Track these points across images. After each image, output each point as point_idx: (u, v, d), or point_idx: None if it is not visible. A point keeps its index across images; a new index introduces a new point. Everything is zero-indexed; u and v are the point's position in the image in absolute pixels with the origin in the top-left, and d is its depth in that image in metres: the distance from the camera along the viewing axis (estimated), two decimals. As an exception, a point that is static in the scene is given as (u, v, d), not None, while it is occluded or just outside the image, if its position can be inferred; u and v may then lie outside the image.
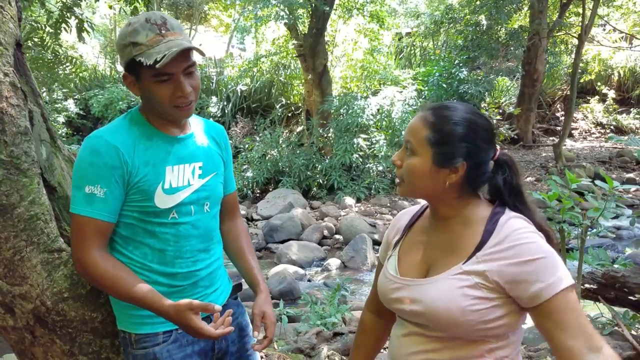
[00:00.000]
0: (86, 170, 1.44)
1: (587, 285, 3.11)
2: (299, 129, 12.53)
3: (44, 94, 11.58)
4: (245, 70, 13.68)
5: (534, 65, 12.59)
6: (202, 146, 1.63)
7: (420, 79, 12.34)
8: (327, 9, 10.31)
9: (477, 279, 1.21)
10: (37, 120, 1.69)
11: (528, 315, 1.26)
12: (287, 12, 10.78)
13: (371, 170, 10.54)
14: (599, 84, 15.67)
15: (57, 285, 1.58)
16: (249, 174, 10.76)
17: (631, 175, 10.96)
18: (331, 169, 10.43)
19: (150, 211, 1.50)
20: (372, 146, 10.58)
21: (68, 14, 5.35)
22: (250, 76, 13.71)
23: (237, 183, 1.90)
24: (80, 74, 8.08)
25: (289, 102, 13.42)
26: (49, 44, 6.20)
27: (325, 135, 11.04)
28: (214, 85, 13.80)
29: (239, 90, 13.36)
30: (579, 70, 11.75)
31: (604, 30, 16.11)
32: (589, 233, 3.06)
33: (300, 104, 13.10)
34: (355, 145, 10.38)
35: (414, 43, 16.82)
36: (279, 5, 10.46)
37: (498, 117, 12.35)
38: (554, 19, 12.44)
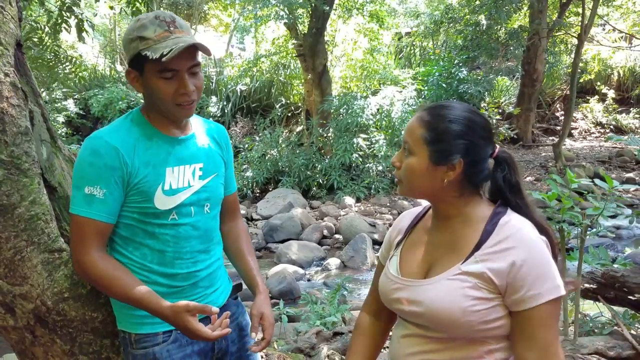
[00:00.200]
0: (86, 170, 1.44)
1: (586, 285, 3.11)
2: (299, 128, 12.53)
3: (44, 94, 11.58)
4: (245, 70, 13.67)
5: (534, 65, 12.58)
6: (202, 147, 1.63)
7: (419, 78, 12.35)
8: (327, 8, 10.31)
9: (475, 280, 1.22)
10: (37, 120, 1.69)
11: None
12: (287, 12, 10.77)
13: (371, 170, 10.54)
14: (598, 83, 15.67)
15: (57, 285, 1.58)
16: (249, 173, 10.76)
17: (631, 174, 10.96)
18: (331, 168, 10.43)
19: (150, 212, 1.50)
20: (372, 146, 10.58)
21: (67, 14, 5.35)
22: (250, 76, 13.70)
23: (237, 183, 1.89)
24: (80, 74, 8.07)
25: (288, 101, 13.41)
26: (48, 43, 6.19)
27: (325, 135, 11.04)
28: (213, 85, 13.80)
29: (238, 90, 13.35)
30: (579, 70, 11.75)
31: (604, 30, 16.10)
32: (588, 233, 3.06)
33: (300, 104, 13.10)
34: (355, 145, 10.38)
35: (414, 43, 16.82)
36: (278, 5, 10.45)
37: (498, 117, 12.34)
38: (554, 18, 12.44)
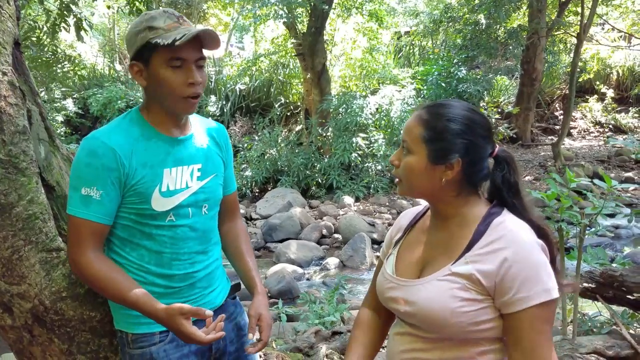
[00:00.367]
0: (83, 171, 1.44)
1: (585, 284, 3.11)
2: (298, 128, 12.53)
3: (43, 93, 11.56)
4: (244, 69, 13.66)
5: (533, 64, 12.58)
6: (201, 147, 1.62)
7: (419, 78, 12.35)
8: (326, 7, 10.30)
9: (464, 281, 1.21)
10: (35, 120, 1.69)
11: None
12: (286, 11, 10.77)
13: (370, 170, 10.54)
14: (597, 83, 15.67)
15: (55, 284, 1.58)
16: (248, 173, 10.76)
17: (630, 174, 10.97)
18: (330, 168, 10.43)
19: (147, 214, 1.49)
20: (371, 145, 10.58)
21: (66, 13, 5.34)
22: (249, 75, 13.69)
23: (236, 182, 1.87)
24: (79, 73, 8.06)
25: (287, 101, 13.41)
26: (46, 43, 6.19)
27: (324, 135, 11.03)
28: (212, 84, 13.78)
29: (237, 89, 13.34)
30: (578, 69, 11.75)
31: (603, 29, 16.10)
32: (587, 232, 3.06)
33: (299, 103, 13.09)
34: (354, 145, 10.38)
35: (413, 42, 16.81)
36: (277, 4, 10.45)
37: (497, 116, 12.37)
38: (553, 17, 12.44)
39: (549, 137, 13.90)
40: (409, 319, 1.31)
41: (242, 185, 10.51)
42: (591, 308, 3.65)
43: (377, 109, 10.93)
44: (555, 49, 13.32)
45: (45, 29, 5.77)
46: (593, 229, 3.33)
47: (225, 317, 1.65)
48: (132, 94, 12.61)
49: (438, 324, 1.23)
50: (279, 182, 10.65)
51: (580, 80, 14.66)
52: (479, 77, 11.67)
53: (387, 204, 9.84)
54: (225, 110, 13.16)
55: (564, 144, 12.15)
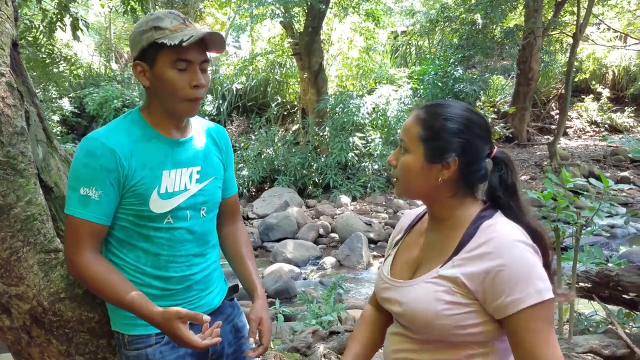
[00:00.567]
0: (81, 172, 1.43)
1: (581, 284, 3.13)
2: (295, 127, 12.54)
3: (39, 93, 11.52)
4: (240, 68, 13.67)
5: (529, 64, 12.62)
6: (201, 150, 1.61)
7: (415, 77, 12.38)
8: (323, 7, 10.31)
9: (449, 284, 1.20)
10: (33, 120, 1.69)
11: None
12: (283, 11, 10.77)
13: (367, 169, 10.55)
14: (593, 82, 15.73)
15: (53, 285, 1.57)
16: (245, 172, 10.76)
17: (625, 173, 11.01)
18: (327, 167, 10.44)
19: (145, 215, 1.49)
20: (368, 145, 10.59)
21: (63, 12, 5.32)
22: (245, 74, 13.70)
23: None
24: (74, 72, 8.02)
25: (284, 100, 13.41)
26: (43, 42, 6.16)
27: (321, 134, 11.04)
28: (209, 83, 13.78)
29: (234, 89, 13.34)
30: (574, 69, 11.78)
31: (599, 29, 16.15)
32: (583, 231, 3.08)
33: (295, 103, 13.10)
34: (350, 144, 10.39)
35: (410, 42, 16.84)
36: (274, 3, 10.44)
37: (493, 116, 12.41)
38: (549, 17, 12.48)
39: (545, 137, 13.94)
40: (400, 319, 1.32)
41: (239, 184, 10.51)
42: (587, 307, 3.66)
43: (373, 108, 10.94)
44: (551, 48, 13.38)
45: (41, 28, 5.74)
46: (589, 229, 3.35)
47: (223, 319, 1.65)
48: (128, 93, 12.59)
49: (423, 325, 1.23)
50: (275, 181, 10.65)
51: (576, 79, 14.70)
52: (475, 76, 11.70)
53: (384, 203, 9.85)
54: (222, 109, 13.15)
55: (559, 144, 12.18)
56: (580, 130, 14.96)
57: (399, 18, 16.95)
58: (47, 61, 6.45)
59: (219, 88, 13.54)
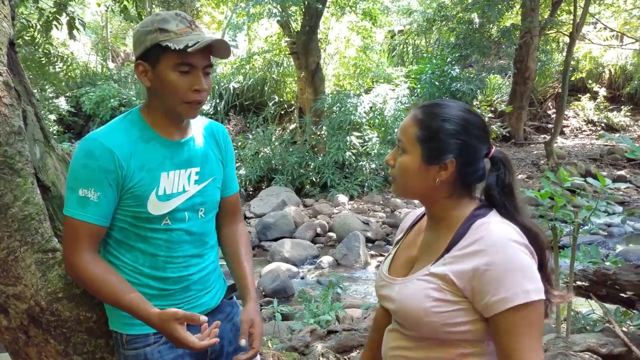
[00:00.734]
0: (80, 172, 1.43)
1: (579, 283, 3.13)
2: (292, 126, 12.53)
3: (35, 92, 11.48)
4: (237, 67, 13.64)
5: (526, 63, 12.64)
6: (200, 150, 1.60)
7: (412, 76, 12.39)
8: (320, 6, 10.30)
9: (439, 282, 1.20)
10: (30, 120, 1.68)
11: None
12: (280, 10, 10.75)
13: (364, 168, 10.55)
14: (590, 81, 15.76)
15: (51, 285, 1.57)
16: (242, 171, 10.74)
17: (622, 172, 11.03)
18: (324, 166, 10.44)
19: (143, 217, 1.49)
20: (365, 144, 10.60)
21: (60, 11, 5.30)
22: (242, 73, 13.68)
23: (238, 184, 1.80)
24: (70, 73, 8.00)
25: (281, 99, 13.40)
26: (39, 42, 6.14)
27: (318, 133, 11.04)
28: (211, 86, 13.77)
29: (231, 88, 13.33)
30: (570, 68, 11.81)
31: (595, 28, 16.19)
32: (580, 230, 3.08)
33: (293, 102, 13.10)
34: (348, 143, 10.39)
35: (407, 41, 16.84)
36: (271, 2, 10.43)
37: (490, 115, 12.41)
38: (546, 16, 12.50)
39: (542, 136, 13.97)
40: (395, 316, 1.34)
41: (237, 184, 10.49)
42: (585, 306, 3.67)
43: (371, 107, 10.95)
44: (548, 47, 13.40)
45: (38, 27, 5.73)
46: (586, 228, 3.35)
47: (222, 318, 1.65)
48: (125, 93, 12.57)
49: (413, 322, 1.24)
50: (273, 180, 10.64)
51: (573, 79, 14.74)
52: (472, 75, 11.72)
53: (381, 202, 9.86)
54: (219, 108, 13.14)
55: (556, 143, 12.21)
56: (577, 130, 15.00)
57: (396, 17, 16.95)
58: (44, 62, 6.43)
59: (216, 87, 13.52)
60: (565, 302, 2.39)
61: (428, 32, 15.17)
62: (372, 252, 7.63)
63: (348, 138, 10.42)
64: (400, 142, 1.30)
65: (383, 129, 10.68)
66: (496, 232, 1.18)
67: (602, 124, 14.72)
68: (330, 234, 8.44)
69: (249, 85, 13.47)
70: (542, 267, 1.21)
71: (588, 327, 3.27)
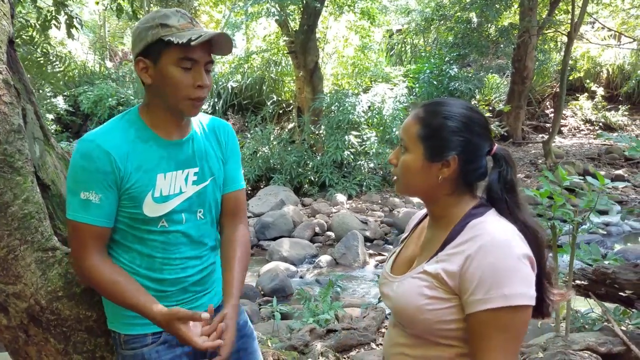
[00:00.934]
0: (79, 175, 1.42)
1: (578, 282, 3.14)
2: (290, 126, 12.52)
3: (34, 92, 11.46)
4: (236, 66, 13.62)
5: (524, 62, 12.66)
6: (200, 150, 1.58)
7: (411, 76, 12.39)
8: (318, 5, 10.29)
9: (432, 279, 1.21)
10: (30, 118, 1.68)
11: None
12: (278, 9, 10.74)
13: (362, 167, 10.55)
14: (588, 81, 15.78)
15: (51, 284, 1.57)
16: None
17: (620, 171, 11.05)
18: (322, 166, 10.43)
19: (139, 218, 1.48)
20: (364, 143, 10.59)
21: (59, 10, 5.29)
22: (241, 73, 13.66)
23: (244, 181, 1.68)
24: (69, 73, 7.97)
25: (280, 99, 13.39)
26: (38, 41, 6.12)
27: (317, 132, 11.03)
28: (212, 84, 13.76)
29: (229, 87, 13.32)
30: (568, 68, 11.82)
31: (593, 27, 16.21)
32: (579, 229, 3.08)
33: (291, 101, 13.09)
34: (346, 142, 10.38)
35: (405, 40, 16.85)
36: (269, 1, 10.42)
37: (488, 114, 12.43)
38: (544, 16, 12.51)
39: (540, 135, 13.99)
40: (393, 314, 1.36)
41: (235, 183, 10.47)
42: (584, 305, 3.67)
43: (369, 106, 10.94)
44: (546, 47, 13.42)
45: (37, 26, 5.71)
46: (585, 226, 3.36)
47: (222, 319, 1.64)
48: (123, 92, 12.54)
49: (407, 319, 1.25)
50: (271, 180, 10.63)
51: (571, 78, 14.75)
52: (470, 75, 11.72)
53: (380, 201, 9.86)
54: (217, 107, 13.13)
55: (554, 142, 12.22)
56: (575, 129, 15.02)
57: (394, 16, 16.95)
58: (42, 60, 6.41)
59: (214, 86, 13.50)
60: (564, 300, 2.39)
61: (426, 32, 15.15)
62: (371, 251, 7.62)
63: (346, 137, 10.42)
64: (403, 141, 1.30)
65: (381, 128, 10.68)
66: (491, 232, 1.18)
67: (600, 124, 14.74)
68: (329, 233, 8.43)
69: (247, 85, 13.45)
70: (540, 266, 1.21)
71: (587, 326, 3.28)
